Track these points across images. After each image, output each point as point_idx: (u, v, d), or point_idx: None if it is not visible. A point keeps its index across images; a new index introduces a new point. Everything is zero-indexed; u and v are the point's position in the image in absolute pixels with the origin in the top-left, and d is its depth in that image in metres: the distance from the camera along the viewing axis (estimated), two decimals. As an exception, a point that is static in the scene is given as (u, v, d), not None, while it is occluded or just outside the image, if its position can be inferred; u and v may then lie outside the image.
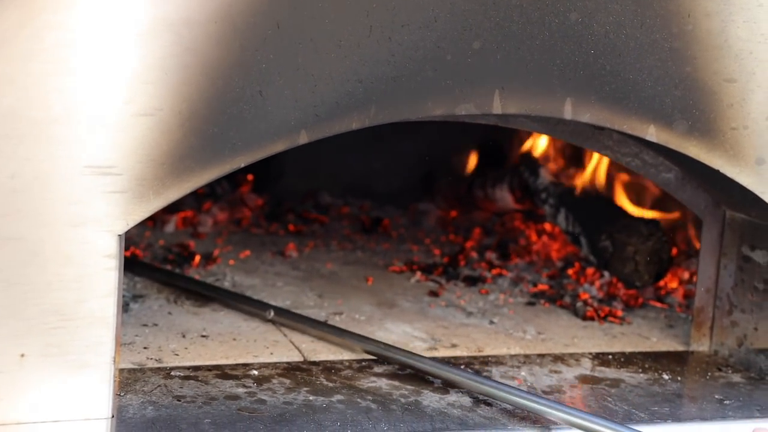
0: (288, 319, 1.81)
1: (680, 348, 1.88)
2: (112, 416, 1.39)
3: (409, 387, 1.59)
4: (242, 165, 1.42)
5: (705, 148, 1.62)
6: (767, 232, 1.74)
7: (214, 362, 1.63)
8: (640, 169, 1.82)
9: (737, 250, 1.80)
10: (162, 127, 1.37)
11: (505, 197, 2.59)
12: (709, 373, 1.76)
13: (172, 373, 1.57)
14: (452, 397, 1.56)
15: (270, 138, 1.43)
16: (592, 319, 1.99)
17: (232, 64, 1.40)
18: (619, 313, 2.02)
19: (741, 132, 1.63)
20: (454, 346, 1.80)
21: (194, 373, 1.58)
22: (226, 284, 2.06)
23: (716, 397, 1.65)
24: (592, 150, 1.80)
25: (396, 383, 1.60)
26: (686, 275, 2.18)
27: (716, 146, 1.62)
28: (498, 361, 1.74)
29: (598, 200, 2.25)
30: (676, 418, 1.55)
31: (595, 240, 2.16)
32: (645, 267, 2.06)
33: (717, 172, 1.64)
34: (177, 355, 1.65)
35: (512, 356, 1.77)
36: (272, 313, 1.82)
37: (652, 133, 1.60)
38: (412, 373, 1.65)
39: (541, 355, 1.78)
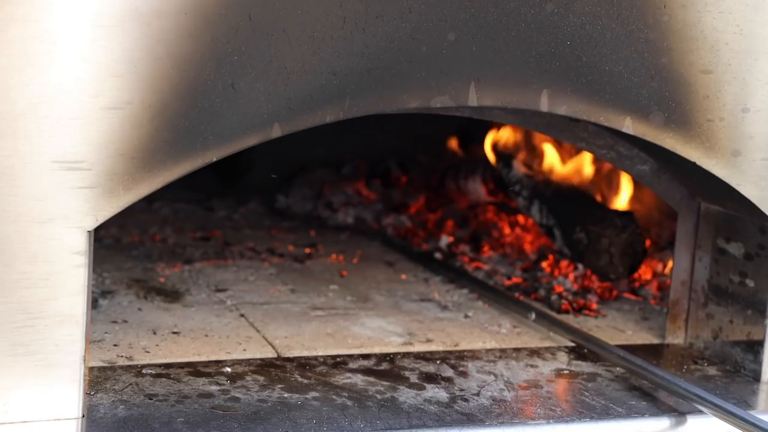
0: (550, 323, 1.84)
1: (656, 341, 1.88)
2: (83, 416, 1.36)
3: (384, 383, 1.57)
4: (214, 159, 1.40)
5: (681, 140, 1.61)
6: (742, 224, 1.73)
7: (186, 359, 1.60)
8: (615, 161, 1.81)
9: (712, 243, 1.80)
10: (132, 121, 1.34)
11: (477, 189, 2.57)
12: (685, 366, 1.75)
13: (144, 371, 1.54)
14: (428, 393, 1.54)
15: (242, 131, 1.40)
16: (567, 312, 1.98)
17: (204, 56, 1.37)
18: (594, 306, 2.02)
19: (717, 124, 1.62)
20: (429, 340, 1.78)
21: (166, 370, 1.55)
22: (200, 280, 2.04)
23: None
24: (567, 142, 1.79)
25: (371, 379, 1.58)
26: (660, 267, 2.18)
27: (692, 138, 1.62)
28: (474, 355, 1.72)
29: (572, 192, 2.24)
30: (654, 413, 1.54)
31: (569, 232, 2.15)
32: (620, 259, 2.05)
33: (693, 164, 1.64)
34: (148, 352, 1.62)
35: (488, 350, 1.75)
36: (533, 316, 1.86)
37: (628, 125, 1.59)
38: (387, 368, 1.63)
39: (517, 349, 1.77)
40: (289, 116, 1.42)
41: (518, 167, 2.32)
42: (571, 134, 1.77)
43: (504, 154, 2.37)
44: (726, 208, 1.76)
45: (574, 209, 2.17)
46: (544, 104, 1.54)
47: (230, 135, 1.40)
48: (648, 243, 2.16)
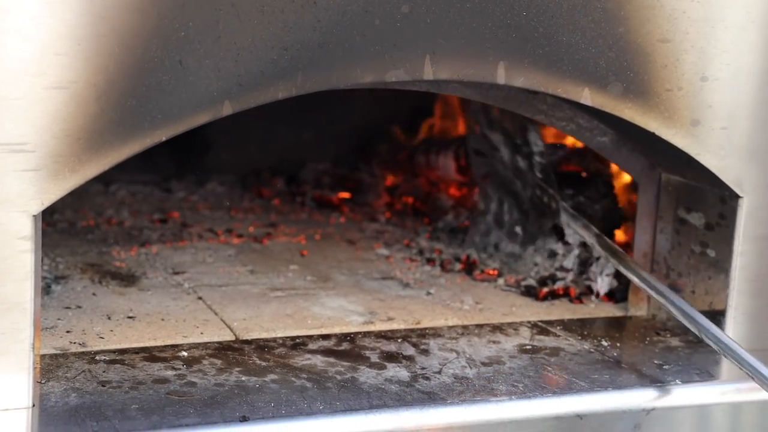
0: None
1: (618, 313, 1.86)
2: (33, 405, 1.33)
3: (344, 363, 1.54)
4: (163, 138, 1.36)
5: (640, 110, 1.60)
6: (703, 194, 1.72)
7: (142, 344, 1.57)
8: (574, 133, 1.79)
9: (673, 213, 1.78)
10: (77, 100, 1.30)
11: (448, 165, 2.54)
12: (648, 338, 1.74)
13: (97, 358, 1.51)
14: (389, 372, 1.52)
15: (192, 109, 1.37)
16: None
17: (150, 32, 1.33)
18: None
19: (675, 93, 1.60)
20: (390, 319, 1.76)
21: (120, 356, 1.52)
22: (157, 263, 2.00)
23: (655, 362, 1.63)
24: (526, 115, 1.77)
25: (331, 360, 1.56)
26: (623, 239, 2.16)
27: (651, 108, 1.60)
28: (436, 333, 1.70)
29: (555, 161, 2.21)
30: (617, 386, 1.53)
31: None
32: (598, 223, 2.04)
33: (652, 134, 1.62)
34: (102, 338, 1.59)
35: (450, 327, 1.73)
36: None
37: (586, 96, 1.57)
38: (347, 349, 1.61)
39: (480, 326, 1.75)
40: (239, 93, 1.38)
41: (501, 131, 2.29)
42: (530, 107, 1.75)
43: (488, 117, 2.34)
44: (686, 178, 1.75)
45: (555, 174, 2.15)
46: (501, 76, 1.52)
47: (179, 113, 1.36)
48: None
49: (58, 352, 1.52)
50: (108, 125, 1.33)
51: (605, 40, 1.55)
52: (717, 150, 1.64)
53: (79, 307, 1.72)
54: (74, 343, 1.56)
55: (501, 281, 1.99)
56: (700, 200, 1.73)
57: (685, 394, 1.54)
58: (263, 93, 1.40)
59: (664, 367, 1.61)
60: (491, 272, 2.02)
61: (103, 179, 2.56)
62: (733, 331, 1.69)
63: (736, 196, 1.66)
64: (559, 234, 2.03)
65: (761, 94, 1.63)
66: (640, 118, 1.60)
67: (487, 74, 1.51)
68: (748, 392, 1.57)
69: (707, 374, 1.60)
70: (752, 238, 1.67)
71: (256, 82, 1.39)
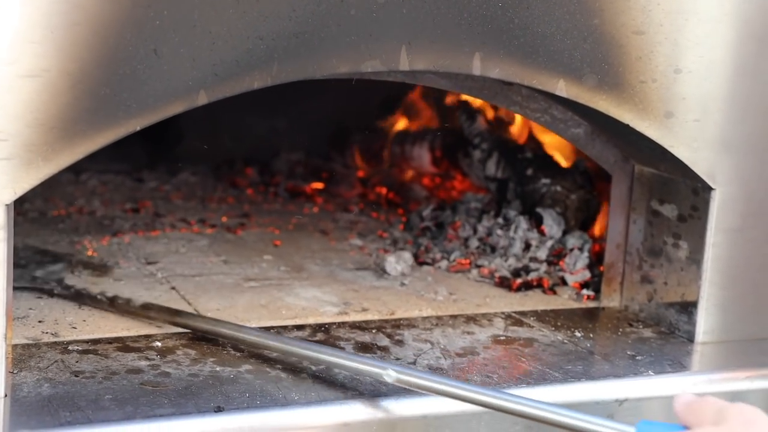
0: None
1: (591, 304, 1.87)
2: (5, 395, 1.32)
3: (319, 354, 1.54)
4: (138, 128, 1.35)
5: (614, 102, 1.60)
6: (676, 186, 1.73)
7: (115, 334, 1.56)
8: (549, 124, 1.80)
9: (646, 205, 1.79)
10: (50, 89, 1.29)
11: (423, 156, 2.54)
12: (621, 329, 1.75)
13: (70, 348, 1.49)
14: (364, 362, 1.52)
15: (167, 99, 1.36)
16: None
17: (124, 20, 1.32)
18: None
19: (650, 85, 1.61)
20: (365, 309, 1.76)
21: (93, 346, 1.51)
22: (130, 253, 1.99)
23: (628, 353, 1.64)
24: (501, 106, 1.77)
25: (306, 350, 1.55)
26: (596, 232, 2.17)
27: (625, 100, 1.60)
28: (410, 324, 1.70)
29: (533, 150, 2.22)
30: (590, 377, 1.54)
31: (524, 183, 2.13)
32: (573, 213, 2.05)
33: (626, 126, 1.63)
34: (75, 328, 1.58)
35: (424, 318, 1.74)
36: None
37: (561, 88, 1.57)
38: (322, 339, 1.61)
39: (454, 317, 1.75)
40: (215, 83, 1.38)
41: (481, 121, 2.30)
42: (505, 98, 1.75)
43: (469, 108, 2.34)
44: (659, 170, 1.76)
45: (532, 164, 2.16)
46: (477, 68, 1.52)
47: (154, 102, 1.35)
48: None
49: (30, 342, 1.51)
50: (82, 114, 1.31)
51: (580, 31, 1.55)
52: (690, 142, 1.65)
53: (52, 296, 1.71)
54: (46, 333, 1.55)
55: (474, 272, 1.99)
56: (673, 192, 1.74)
57: (657, 385, 1.55)
58: (239, 83, 1.39)
59: (637, 357, 1.62)
60: (464, 263, 2.02)
61: (74, 168, 2.54)
62: (705, 322, 1.70)
63: (709, 188, 1.67)
64: (536, 223, 2.05)
65: (734, 86, 1.64)
66: (615, 109, 1.61)
67: (463, 65, 1.51)
68: (720, 382, 1.59)
69: (679, 365, 1.61)
70: (724, 230, 1.68)
71: (231, 72, 1.38)
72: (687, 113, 1.64)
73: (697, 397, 1.12)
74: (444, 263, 2.02)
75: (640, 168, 1.80)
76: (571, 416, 1.25)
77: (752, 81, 1.65)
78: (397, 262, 1.95)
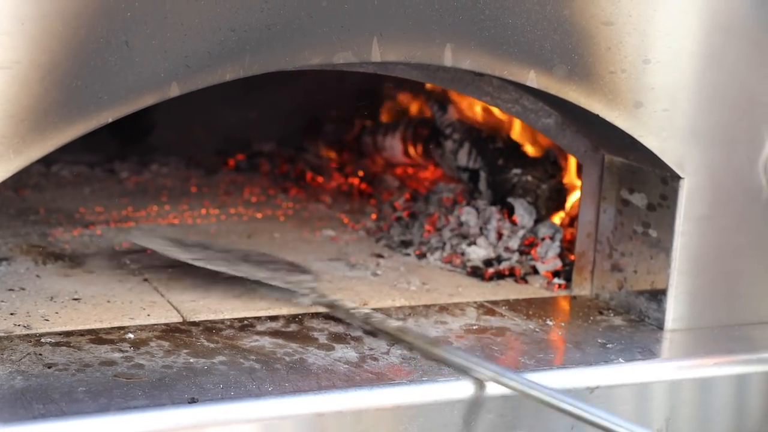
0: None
1: (563, 293, 1.89)
2: (-22, 389, 1.31)
3: (293, 345, 1.55)
4: (110, 120, 1.35)
5: (584, 92, 1.62)
6: (645, 175, 1.75)
7: (88, 326, 1.56)
8: (520, 114, 1.81)
9: (616, 194, 1.81)
10: (21, 80, 1.29)
11: (395, 146, 2.55)
12: (592, 318, 1.77)
13: (43, 340, 1.49)
14: (338, 353, 1.53)
15: (138, 91, 1.36)
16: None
17: (95, 11, 1.32)
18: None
19: (619, 76, 1.62)
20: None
21: (66, 338, 1.50)
22: (102, 245, 1.98)
23: (599, 341, 1.66)
24: (472, 96, 1.78)
25: (280, 341, 1.56)
26: (567, 221, 2.19)
27: (595, 90, 1.62)
28: (384, 313, 1.71)
29: (505, 140, 2.23)
30: (561, 365, 1.55)
31: (495, 173, 2.14)
32: (544, 202, 2.06)
33: (596, 116, 1.64)
34: (47, 320, 1.57)
35: (398, 308, 1.74)
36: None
37: (532, 79, 1.58)
38: (295, 330, 1.61)
39: (427, 306, 1.76)
40: (187, 74, 1.38)
41: (452, 112, 2.31)
42: (476, 89, 1.76)
43: (440, 99, 2.35)
44: (629, 159, 1.78)
45: (503, 154, 2.17)
46: (448, 59, 1.53)
47: (126, 94, 1.35)
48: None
49: (3, 334, 1.50)
50: (53, 106, 1.31)
51: (550, 22, 1.56)
52: (659, 132, 1.66)
53: (23, 289, 1.70)
54: (18, 325, 1.54)
55: (446, 263, 2.00)
56: (643, 181, 1.76)
57: (628, 372, 1.57)
58: (211, 74, 1.39)
59: (608, 345, 1.64)
60: (437, 252, 2.03)
61: (45, 160, 2.53)
62: (674, 310, 1.72)
63: (678, 177, 1.69)
64: (508, 213, 2.06)
65: (702, 76, 1.66)
66: (585, 100, 1.62)
67: (434, 56, 1.52)
68: (689, 369, 1.61)
69: (649, 352, 1.63)
70: (693, 219, 1.70)
71: (203, 64, 1.38)
72: (656, 103, 1.65)
73: None
74: (412, 251, 2.03)
75: (610, 158, 1.82)
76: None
77: (719, 71, 1.67)
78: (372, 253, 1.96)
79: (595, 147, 1.84)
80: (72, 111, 1.32)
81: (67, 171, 2.52)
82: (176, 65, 1.36)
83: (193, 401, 1.33)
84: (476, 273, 1.95)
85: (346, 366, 1.48)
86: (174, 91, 1.37)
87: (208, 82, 1.39)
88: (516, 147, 2.20)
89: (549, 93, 1.60)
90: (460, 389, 1.45)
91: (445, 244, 2.06)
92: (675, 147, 1.68)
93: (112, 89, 1.33)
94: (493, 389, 1.46)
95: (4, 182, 1.32)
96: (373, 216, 2.29)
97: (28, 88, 1.29)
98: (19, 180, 2.35)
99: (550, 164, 2.12)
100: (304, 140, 2.79)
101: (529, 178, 2.10)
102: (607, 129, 1.67)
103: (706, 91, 1.67)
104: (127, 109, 1.35)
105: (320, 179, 2.60)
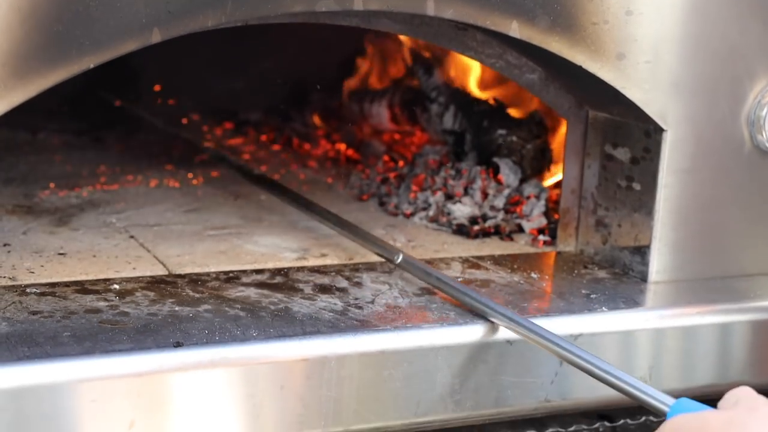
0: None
1: (548, 249, 1.90)
2: (-37, 334, 1.32)
3: (278, 295, 1.55)
4: (91, 65, 1.35)
5: (567, 43, 1.62)
6: (628, 129, 1.76)
7: (73, 278, 1.56)
8: (504, 70, 1.81)
9: (600, 149, 1.82)
10: (1, 24, 1.28)
11: (381, 114, 2.55)
12: (576, 271, 1.78)
13: (28, 290, 1.50)
14: (323, 302, 1.53)
15: (120, 36, 1.36)
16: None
17: (76, -43, 1.32)
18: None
19: (602, 27, 1.63)
20: (323, 255, 1.77)
21: (51, 289, 1.51)
22: (88, 205, 1.98)
23: (583, 292, 1.67)
24: (456, 51, 1.78)
25: (265, 292, 1.56)
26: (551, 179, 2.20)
27: (578, 42, 1.62)
28: (369, 267, 1.72)
29: (490, 104, 2.23)
30: (545, 313, 1.56)
31: (480, 135, 2.15)
32: (529, 162, 2.07)
33: (579, 68, 1.65)
34: (33, 272, 1.58)
35: (383, 263, 1.75)
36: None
37: (515, 29, 1.58)
38: (281, 282, 1.62)
39: (412, 260, 1.77)
40: (168, 20, 1.38)
41: (438, 75, 2.31)
42: (460, 43, 1.76)
43: (426, 62, 2.36)
44: (612, 114, 1.79)
45: (488, 116, 2.18)
46: (431, 8, 1.53)
47: (107, 40, 1.35)
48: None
49: (-12, 286, 1.51)
50: (34, 51, 1.31)
51: (533, -27, 1.57)
52: (641, 83, 1.67)
53: (8, 244, 1.70)
54: (4, 277, 1.55)
55: (432, 222, 2.01)
56: (626, 135, 1.77)
57: (611, 320, 1.58)
58: (192, 20, 1.39)
59: (592, 296, 1.65)
60: (423, 212, 2.04)
61: (31, 127, 2.53)
62: (657, 262, 1.73)
63: (660, 130, 1.70)
64: (494, 173, 2.06)
65: (684, 28, 1.67)
66: (567, 51, 1.62)
67: (417, 5, 1.52)
68: (671, 318, 1.62)
69: (632, 302, 1.64)
70: (675, 171, 1.71)
71: (185, 9, 1.38)
72: (639, 55, 1.66)
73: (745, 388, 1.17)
74: (399, 212, 2.04)
75: (594, 113, 1.82)
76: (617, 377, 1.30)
77: (702, 23, 1.67)
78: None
79: (579, 103, 1.85)
80: (53, 55, 1.32)
81: (54, 138, 2.52)
82: (158, 11, 1.36)
83: (178, 345, 1.33)
84: (462, 231, 1.96)
85: (331, 314, 1.49)
86: (156, 37, 1.37)
87: (190, 29, 1.39)
88: (501, 108, 2.20)
89: (532, 44, 1.61)
90: (444, 335, 1.46)
91: (431, 204, 2.07)
92: (658, 99, 1.68)
93: (93, 34, 1.33)
94: (476, 335, 1.47)
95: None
96: (363, 176, 2.29)
97: (9, 31, 1.29)
98: (5, 147, 2.35)
99: (535, 125, 2.13)
100: (291, 108, 2.79)
101: (514, 138, 2.10)
102: (591, 82, 1.68)
103: (688, 43, 1.68)
104: (108, 54, 1.35)
105: (307, 146, 2.60)
